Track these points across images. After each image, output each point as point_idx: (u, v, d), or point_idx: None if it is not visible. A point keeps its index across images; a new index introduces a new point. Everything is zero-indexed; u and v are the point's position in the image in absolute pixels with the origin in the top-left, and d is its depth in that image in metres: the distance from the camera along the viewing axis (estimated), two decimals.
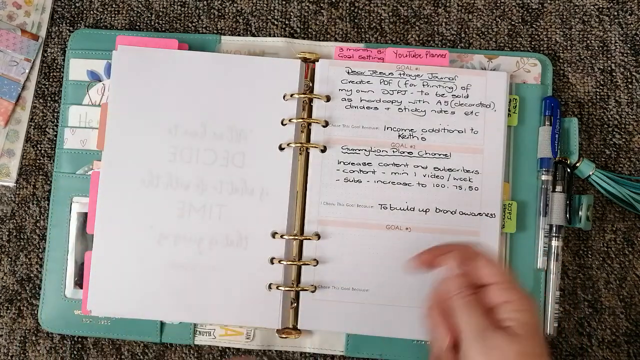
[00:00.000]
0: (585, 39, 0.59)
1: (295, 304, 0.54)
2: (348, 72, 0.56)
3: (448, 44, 0.59)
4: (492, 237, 0.54)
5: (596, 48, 0.59)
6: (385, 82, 0.56)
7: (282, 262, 0.54)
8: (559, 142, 0.56)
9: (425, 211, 0.54)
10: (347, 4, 0.60)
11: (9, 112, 0.59)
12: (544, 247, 0.55)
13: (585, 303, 0.56)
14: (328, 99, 0.56)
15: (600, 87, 0.59)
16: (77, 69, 0.58)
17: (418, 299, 0.53)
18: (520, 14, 0.60)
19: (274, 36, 0.60)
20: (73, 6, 0.61)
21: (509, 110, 0.56)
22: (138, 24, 0.61)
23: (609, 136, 0.58)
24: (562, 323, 0.56)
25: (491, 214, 0.54)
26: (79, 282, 0.56)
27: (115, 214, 0.55)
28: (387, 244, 0.54)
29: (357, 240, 0.54)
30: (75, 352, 0.57)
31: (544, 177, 0.56)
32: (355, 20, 0.60)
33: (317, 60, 0.57)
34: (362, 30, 0.60)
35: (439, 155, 0.55)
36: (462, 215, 0.54)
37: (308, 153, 0.56)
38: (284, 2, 0.60)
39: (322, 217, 0.55)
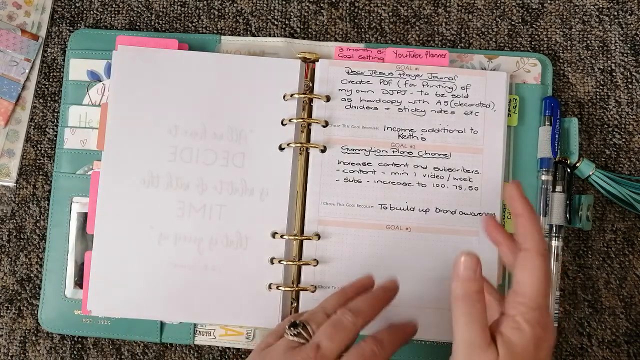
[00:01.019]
0: (585, 39, 0.59)
1: (295, 304, 0.54)
2: (348, 72, 0.56)
3: (448, 44, 0.59)
4: None
5: (596, 48, 0.59)
6: (385, 82, 0.56)
7: (282, 262, 0.54)
8: (559, 142, 0.56)
9: (425, 211, 0.54)
10: (347, 4, 0.60)
11: (9, 112, 0.59)
12: None
13: (585, 303, 0.56)
14: (328, 99, 0.56)
15: (600, 87, 0.59)
16: (77, 69, 0.58)
17: (418, 299, 0.54)
18: (520, 14, 0.60)
19: (274, 36, 0.60)
20: (73, 6, 0.61)
21: (509, 110, 0.56)
22: (138, 24, 0.61)
23: (609, 136, 0.58)
24: (562, 323, 0.56)
25: (491, 214, 0.54)
26: (79, 282, 0.56)
27: (115, 214, 0.55)
28: (387, 244, 0.54)
29: (357, 240, 0.54)
30: (75, 352, 0.57)
31: (544, 177, 0.56)
32: (355, 20, 0.60)
33: (317, 60, 0.57)
34: (362, 30, 0.60)
35: (439, 155, 0.55)
36: (462, 215, 0.54)
37: (308, 153, 0.56)
38: (284, 2, 0.60)
39: (322, 217, 0.55)
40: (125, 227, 0.54)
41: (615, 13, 0.59)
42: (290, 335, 0.43)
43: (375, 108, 0.56)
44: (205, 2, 0.61)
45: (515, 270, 0.41)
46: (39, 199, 0.59)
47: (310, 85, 0.57)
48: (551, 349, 0.40)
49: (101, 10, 0.61)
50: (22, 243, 0.58)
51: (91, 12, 0.61)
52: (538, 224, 0.42)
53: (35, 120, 0.60)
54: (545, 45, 0.59)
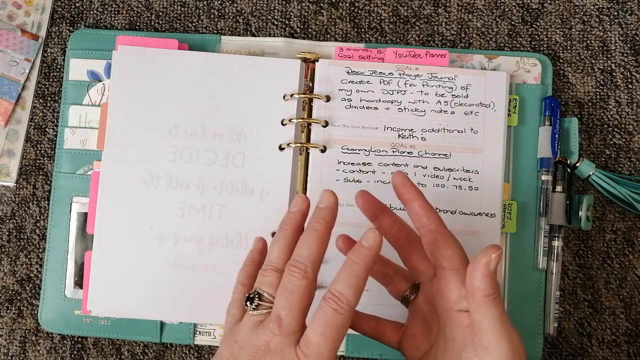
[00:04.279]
0: (585, 39, 0.59)
1: None
2: (348, 72, 0.56)
3: (448, 44, 0.59)
4: (492, 237, 0.54)
5: (596, 48, 0.59)
6: (385, 82, 0.56)
7: None
8: (559, 142, 0.56)
9: None
10: (347, 4, 0.60)
11: (9, 112, 0.59)
12: (544, 247, 0.55)
13: (585, 303, 0.56)
14: (328, 99, 0.56)
15: (600, 87, 0.59)
16: (77, 69, 0.58)
17: None
18: (520, 14, 0.60)
19: (274, 36, 0.60)
20: (73, 6, 0.61)
21: (509, 110, 0.56)
22: (138, 24, 0.61)
23: (609, 136, 0.58)
24: (562, 323, 0.56)
25: (491, 214, 0.54)
26: (79, 282, 0.56)
27: (115, 214, 0.55)
28: (387, 243, 0.54)
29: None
30: (75, 352, 0.57)
31: (544, 177, 0.56)
32: (355, 20, 0.60)
33: (317, 60, 0.57)
34: (362, 30, 0.60)
35: (439, 155, 0.55)
36: (462, 215, 0.54)
37: (308, 153, 0.56)
38: (284, 2, 0.60)
39: None
40: (125, 227, 0.54)
41: (615, 13, 0.59)
42: (251, 310, 0.41)
43: (375, 108, 0.56)
44: (205, 2, 0.61)
45: (439, 250, 0.42)
46: (39, 199, 0.59)
47: (310, 85, 0.57)
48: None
49: (101, 10, 0.61)
50: (22, 243, 0.58)
51: (91, 12, 0.61)
52: (429, 203, 0.44)
53: (35, 120, 0.60)
54: (545, 45, 0.59)
